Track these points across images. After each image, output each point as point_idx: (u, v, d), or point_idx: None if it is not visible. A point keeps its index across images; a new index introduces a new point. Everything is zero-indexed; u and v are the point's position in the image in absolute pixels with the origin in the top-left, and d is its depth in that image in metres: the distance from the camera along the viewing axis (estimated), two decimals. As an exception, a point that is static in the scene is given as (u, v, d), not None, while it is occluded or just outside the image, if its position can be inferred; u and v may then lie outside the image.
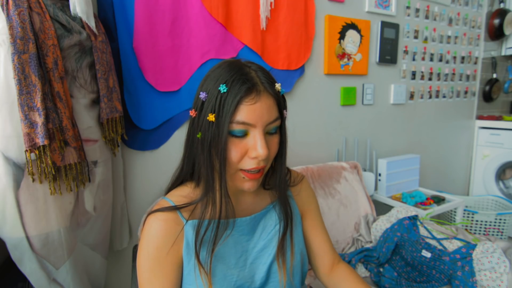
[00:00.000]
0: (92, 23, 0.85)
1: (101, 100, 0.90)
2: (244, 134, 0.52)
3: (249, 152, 0.52)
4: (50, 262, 0.82)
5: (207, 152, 0.53)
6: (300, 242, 0.67)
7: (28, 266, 0.79)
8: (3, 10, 0.70)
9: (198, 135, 0.54)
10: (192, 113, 0.55)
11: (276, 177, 0.60)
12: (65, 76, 0.80)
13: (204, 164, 0.54)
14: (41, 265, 0.80)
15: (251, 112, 0.50)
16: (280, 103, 0.54)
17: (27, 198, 0.77)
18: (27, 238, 0.78)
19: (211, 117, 0.50)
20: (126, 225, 1.13)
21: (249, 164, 0.52)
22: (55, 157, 0.77)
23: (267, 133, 0.53)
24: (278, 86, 0.54)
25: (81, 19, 0.83)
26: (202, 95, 0.53)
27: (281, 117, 0.55)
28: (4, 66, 0.72)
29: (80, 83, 0.86)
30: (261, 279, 0.60)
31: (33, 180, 0.77)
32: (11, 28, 0.70)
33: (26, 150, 0.73)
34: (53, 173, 0.77)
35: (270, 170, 0.62)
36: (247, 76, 0.51)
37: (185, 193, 0.59)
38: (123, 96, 1.07)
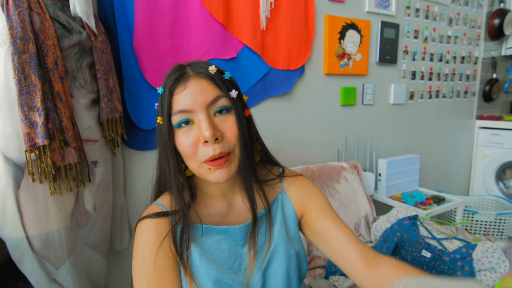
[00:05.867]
0: (92, 23, 0.85)
1: (101, 100, 0.90)
2: (189, 122, 0.53)
3: (200, 138, 0.51)
4: (50, 262, 0.81)
5: (164, 155, 0.55)
6: (298, 242, 0.65)
7: (28, 266, 0.79)
8: (3, 10, 0.70)
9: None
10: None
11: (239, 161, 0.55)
12: (65, 76, 0.80)
13: (165, 169, 0.56)
14: (41, 265, 0.80)
15: (184, 98, 0.52)
16: (218, 83, 0.54)
17: (27, 198, 0.77)
18: (27, 238, 0.78)
19: (159, 120, 0.55)
20: (126, 225, 1.13)
21: (206, 152, 0.51)
22: (55, 157, 0.77)
23: (215, 115, 0.53)
24: (212, 68, 0.55)
25: (81, 19, 0.83)
26: (155, 105, 0.57)
27: (228, 96, 0.54)
28: (4, 66, 0.72)
29: (80, 83, 0.86)
30: (256, 284, 0.58)
31: (33, 180, 0.77)
32: (11, 28, 0.70)
33: (26, 150, 0.73)
34: (53, 173, 0.77)
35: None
36: (177, 70, 0.55)
37: None
38: (123, 96, 1.07)
